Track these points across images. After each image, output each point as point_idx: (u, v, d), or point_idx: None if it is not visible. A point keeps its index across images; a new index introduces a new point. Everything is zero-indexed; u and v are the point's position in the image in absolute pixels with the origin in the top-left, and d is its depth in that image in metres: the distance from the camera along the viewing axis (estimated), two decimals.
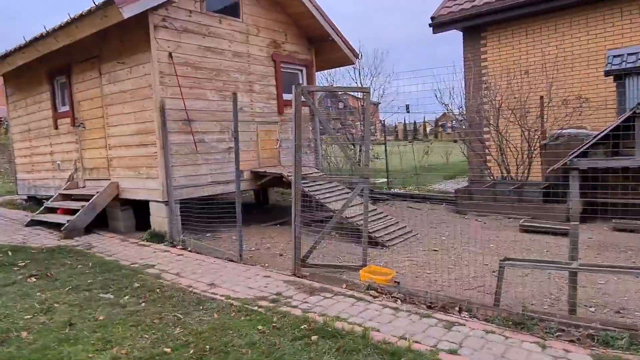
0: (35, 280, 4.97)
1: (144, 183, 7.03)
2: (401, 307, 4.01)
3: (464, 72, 10.99)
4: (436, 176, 14.06)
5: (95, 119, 7.82)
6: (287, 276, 4.99)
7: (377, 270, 4.83)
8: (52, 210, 8.00)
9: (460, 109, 10.28)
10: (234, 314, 3.92)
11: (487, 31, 10.88)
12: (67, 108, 8.52)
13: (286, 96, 8.67)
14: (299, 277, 4.97)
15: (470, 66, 10.37)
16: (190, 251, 6.21)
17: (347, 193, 7.81)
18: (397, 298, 4.24)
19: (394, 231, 7.02)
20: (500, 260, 3.95)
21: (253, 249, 6.46)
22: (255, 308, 4.03)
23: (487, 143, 9.92)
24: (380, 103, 15.50)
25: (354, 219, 6.84)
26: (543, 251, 5.90)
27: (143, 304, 4.20)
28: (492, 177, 9.64)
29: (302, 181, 5.13)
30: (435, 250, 6.13)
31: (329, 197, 7.40)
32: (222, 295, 4.37)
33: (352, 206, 7.34)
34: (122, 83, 7.13)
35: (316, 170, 8.28)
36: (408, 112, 7.78)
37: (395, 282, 4.65)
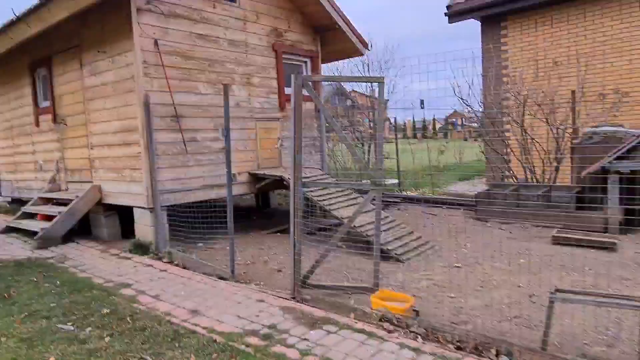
0: None
1: (128, 187, 6.27)
2: (423, 348, 3.20)
3: (482, 65, 10.15)
4: (450, 177, 13.21)
5: (77, 115, 7.08)
6: (285, 300, 4.21)
7: (391, 296, 4.03)
8: (31, 215, 7.28)
9: (480, 103, 9.42)
10: (215, 355, 3.15)
11: (508, 20, 10.02)
12: (48, 103, 7.79)
13: (288, 90, 7.86)
14: (298, 300, 4.19)
15: (491, 56, 9.51)
16: (176, 265, 5.45)
17: (356, 198, 7.00)
18: (418, 334, 3.44)
19: (409, 242, 6.21)
20: (550, 293, 3.13)
21: (249, 262, 5.68)
22: (243, 347, 3.25)
23: (507, 141, 9.07)
24: (387, 100, 14.68)
25: (363, 229, 6.04)
26: (584, 269, 5.07)
27: (107, 339, 3.44)
28: (515, 179, 8.79)
29: (305, 185, 4.36)
30: (457, 267, 5.31)
31: (335, 202, 6.61)
32: (204, 328, 3.59)
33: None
34: (103, 75, 6.38)
35: (321, 171, 7.49)
36: (422, 107, 6.97)
37: (413, 310, 3.85)
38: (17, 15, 6.05)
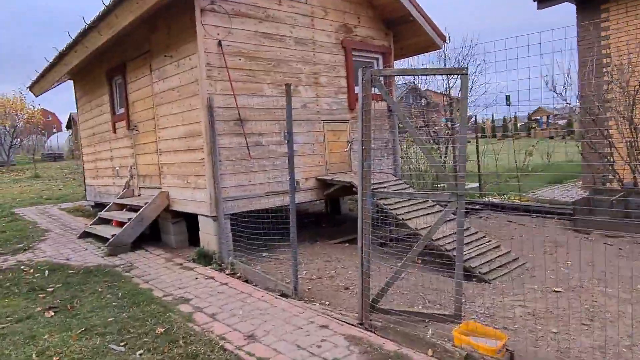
0: (52, 314, 4.17)
1: (192, 194, 6.12)
2: None
3: (578, 54, 8.92)
4: (537, 180, 11.90)
5: (147, 121, 7.10)
6: (351, 326, 3.70)
7: (478, 330, 3.36)
8: (106, 221, 7.44)
9: (577, 97, 8.24)
10: None
11: (610, 2, 8.71)
12: (123, 110, 7.95)
13: (358, 89, 7.35)
14: (367, 327, 3.66)
15: (589, 44, 8.30)
16: (238, 277, 5.16)
17: (433, 206, 6.32)
18: None
19: (494, 259, 5.44)
20: None
21: (314, 276, 5.25)
22: None
23: (611, 139, 7.82)
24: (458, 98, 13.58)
25: (441, 242, 5.37)
26: None
27: None
28: (620, 184, 7.56)
29: (374, 195, 3.84)
30: (556, 291, 4.48)
31: (409, 211, 5.99)
32: (258, 359, 3.19)
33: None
34: (170, 80, 6.29)
35: (394, 177, 6.88)
36: (509, 104, 6.14)
37: (507, 350, 3.16)
38: (87, 23, 6.13)
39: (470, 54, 12.01)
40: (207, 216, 5.84)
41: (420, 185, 9.91)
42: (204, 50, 5.58)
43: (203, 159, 5.74)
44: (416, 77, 13.64)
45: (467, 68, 3.54)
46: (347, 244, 6.77)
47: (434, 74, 6.27)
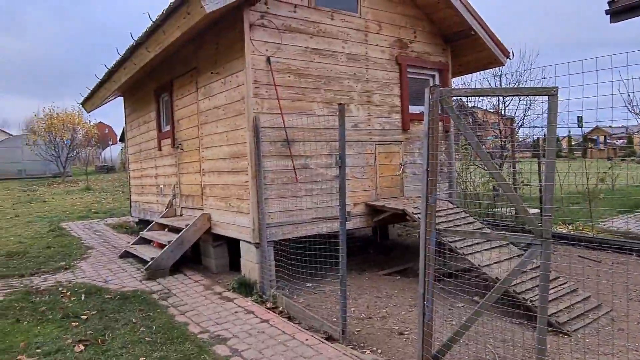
0: (82, 349, 3.87)
1: (234, 218, 5.78)
2: None
3: None
4: (608, 207, 10.81)
5: (192, 139, 6.89)
6: None
7: None
8: (147, 241, 7.24)
9: None
10: None
11: None
12: (168, 127, 7.81)
13: (413, 108, 6.86)
14: None
15: None
16: (280, 312, 4.71)
17: (499, 236, 5.66)
18: None
19: (573, 305, 4.71)
20: None
21: (363, 315, 4.72)
22: None
23: None
24: (513, 117, 12.69)
25: (513, 287, 4.69)
26: None
27: None
28: None
29: (439, 234, 3.31)
30: None
31: (470, 244, 5.36)
32: None
33: (498, 258, 5.21)
34: (216, 97, 6.03)
35: (450, 205, 6.27)
36: (580, 126, 5.46)
37: None
38: (135, 40, 6.01)
39: (530, 69, 11.21)
40: (249, 242, 5.46)
41: (475, 210, 9.17)
42: (251, 67, 5.28)
43: (247, 181, 5.39)
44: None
45: (556, 88, 2.97)
46: (398, 276, 6.20)
47: (516, 95, 5.61)
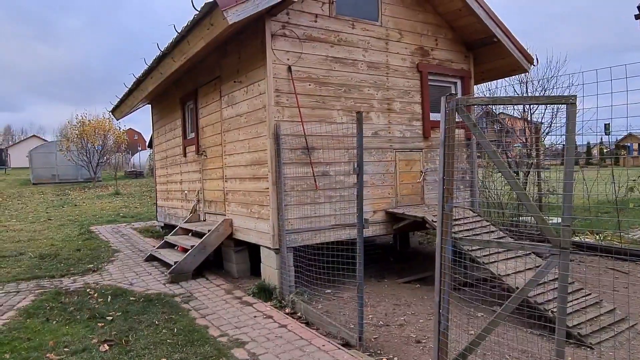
0: (107, 349, 4.01)
1: (255, 224, 5.88)
2: None
3: None
4: (629, 217, 10.45)
5: (215, 146, 7.05)
6: None
7: None
8: (171, 245, 7.42)
9: None
10: None
11: None
12: (193, 135, 8.01)
13: (434, 116, 6.84)
14: None
15: None
16: (298, 318, 4.77)
17: (517, 246, 5.58)
18: None
19: (597, 317, 4.60)
20: None
21: (381, 323, 4.72)
22: None
23: None
24: (542, 123, 12.40)
25: (534, 298, 4.63)
26: None
27: None
28: None
29: (456, 243, 3.31)
30: None
31: (490, 253, 5.30)
32: None
33: (524, 268, 5.13)
34: (238, 105, 6.17)
35: (472, 213, 6.22)
36: (608, 133, 5.36)
37: None
38: (161, 50, 6.21)
39: (556, 76, 10.99)
40: (269, 248, 5.55)
41: (498, 219, 9.03)
42: (273, 76, 5.39)
43: (267, 188, 5.49)
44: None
45: (575, 97, 2.95)
46: (418, 285, 6.17)
47: (534, 104, 5.52)
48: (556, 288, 4.65)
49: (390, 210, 6.33)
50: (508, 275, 4.95)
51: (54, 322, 4.67)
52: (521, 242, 4.65)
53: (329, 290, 5.71)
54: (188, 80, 7.88)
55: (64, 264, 7.31)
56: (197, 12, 4.91)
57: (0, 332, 4.37)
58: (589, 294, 4.98)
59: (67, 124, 31.53)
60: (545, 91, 11.87)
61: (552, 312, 4.43)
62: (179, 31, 5.47)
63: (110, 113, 11.21)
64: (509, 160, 10.99)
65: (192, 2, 4.90)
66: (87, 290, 5.77)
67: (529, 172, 10.21)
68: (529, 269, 5.02)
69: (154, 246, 8.30)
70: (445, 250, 3.18)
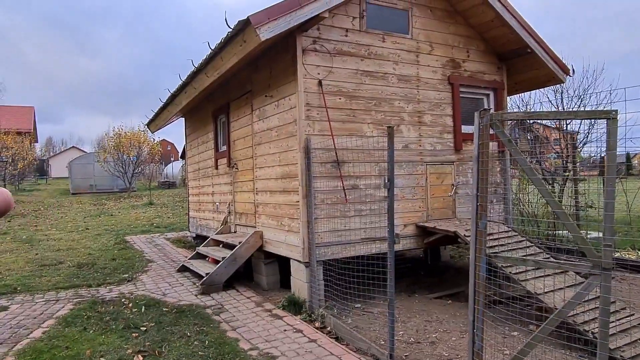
0: (141, 359, 4.10)
1: (285, 237, 5.91)
2: None
3: None
4: None
5: (246, 159, 7.16)
6: None
7: None
8: (202, 256, 7.54)
9: None
10: None
11: None
12: (225, 148, 8.16)
13: (466, 128, 6.75)
14: None
15: None
16: (329, 332, 4.75)
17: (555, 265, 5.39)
18: None
19: None
20: None
21: (412, 340, 4.64)
22: None
23: None
24: (578, 132, 11.97)
25: (573, 318, 4.46)
26: None
27: None
28: None
29: (490, 260, 3.22)
30: None
31: (525, 270, 5.14)
32: None
33: (562, 286, 4.95)
34: (270, 119, 6.26)
35: (506, 228, 6.07)
36: None
37: None
38: (195, 66, 6.38)
39: (594, 84, 10.64)
40: (299, 261, 5.56)
41: (533, 233, 8.76)
42: (303, 90, 5.45)
43: (298, 201, 5.52)
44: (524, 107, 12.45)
45: (616, 112, 2.86)
46: (450, 300, 6.05)
47: (572, 118, 5.34)
48: (597, 308, 4.47)
49: (421, 224, 6.25)
50: (545, 293, 4.79)
51: (91, 331, 4.80)
52: (559, 261, 4.49)
53: (358, 305, 5.67)
54: (220, 94, 8.05)
55: (101, 273, 7.54)
56: (231, 30, 5.03)
57: (41, 340, 4.53)
58: (632, 315, 4.76)
59: (104, 136, 32.73)
60: (581, 100, 11.50)
61: (592, 333, 4.26)
62: (213, 48, 5.61)
63: (146, 126, 11.56)
64: (543, 170, 10.68)
65: (225, 20, 5.03)
66: (122, 300, 5.92)
67: (564, 183, 9.89)
68: (568, 286, 4.84)
69: (186, 257, 8.45)
70: (480, 268, 3.11)
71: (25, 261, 8.57)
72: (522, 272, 5.11)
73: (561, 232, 8.82)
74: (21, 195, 27.11)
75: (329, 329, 4.86)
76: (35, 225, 14.48)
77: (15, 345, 4.42)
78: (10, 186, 27.19)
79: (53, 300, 6.03)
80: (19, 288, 6.65)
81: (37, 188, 33.83)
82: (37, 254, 9.31)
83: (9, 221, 15.73)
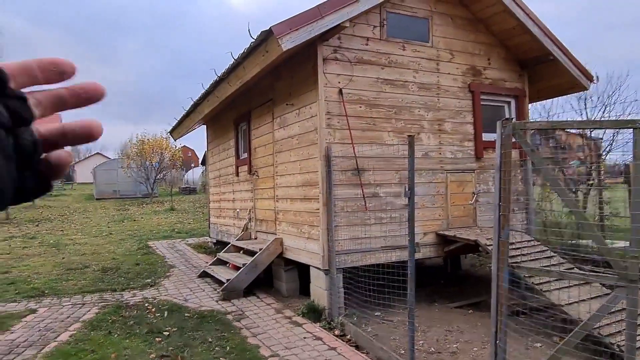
0: None
1: (305, 244, 5.95)
2: None
3: None
4: None
5: (267, 167, 7.24)
6: None
7: None
8: (223, 262, 7.63)
9: None
10: None
11: None
12: (246, 155, 8.27)
13: (487, 136, 6.70)
14: None
15: None
16: (348, 340, 4.75)
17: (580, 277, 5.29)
18: None
19: None
20: None
21: (432, 350, 4.62)
22: None
23: None
24: (601, 138, 11.71)
25: (598, 330, 4.37)
26: None
27: None
28: None
29: (514, 272, 3.20)
30: None
31: (547, 280, 5.06)
32: None
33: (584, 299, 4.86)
34: (290, 127, 6.33)
35: (528, 238, 5.98)
36: None
37: None
38: (218, 75, 6.51)
39: (618, 90, 10.42)
40: (318, 269, 5.59)
41: (556, 242, 8.59)
42: (324, 99, 5.50)
43: (318, 209, 5.56)
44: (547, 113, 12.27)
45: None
46: (471, 310, 5.99)
47: (597, 128, 5.25)
48: (623, 320, 4.38)
49: (441, 232, 6.21)
50: (569, 304, 4.70)
51: (116, 335, 4.91)
52: (584, 272, 4.42)
53: (378, 313, 5.65)
54: (242, 102, 8.18)
55: (125, 277, 7.70)
56: (253, 40, 5.13)
57: (68, 344, 4.66)
58: None
59: (127, 143, 33.46)
60: (605, 107, 11.28)
61: (619, 346, 4.16)
62: (236, 58, 5.73)
63: (169, 134, 11.79)
64: (566, 178, 10.49)
65: (248, 30, 5.13)
66: (146, 304, 6.04)
67: (588, 191, 9.70)
68: (593, 298, 4.75)
69: (207, 262, 8.56)
70: (502, 278, 3.09)
71: (53, 265, 8.81)
72: (544, 282, 5.03)
73: (584, 241, 8.65)
74: (48, 200, 27.85)
75: (348, 337, 4.87)
76: (62, 230, 14.87)
77: (43, 348, 4.55)
78: None
79: (79, 304, 6.18)
80: (46, 291, 6.84)
81: (64, 193, 34.72)
82: (63, 258, 9.56)
83: (36, 225, 16.20)
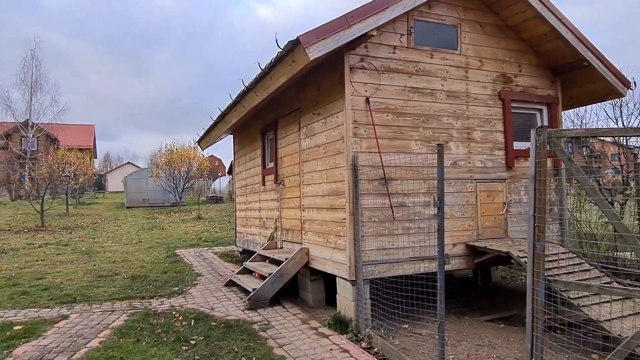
0: None
1: (331, 254, 5.90)
2: None
3: None
4: None
5: (293, 176, 7.24)
6: None
7: None
8: (249, 271, 7.65)
9: None
10: None
11: None
12: (272, 164, 8.30)
13: (518, 145, 6.53)
14: None
15: None
16: (376, 353, 4.66)
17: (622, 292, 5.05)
18: None
19: None
20: None
21: None
22: None
23: None
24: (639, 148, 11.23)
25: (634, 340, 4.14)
26: None
27: None
28: None
29: (550, 285, 3.06)
30: None
31: (585, 295, 4.84)
32: None
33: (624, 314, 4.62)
34: (317, 137, 6.32)
35: (563, 249, 5.76)
36: None
37: None
38: (245, 86, 6.57)
39: None
40: (345, 279, 5.52)
41: (593, 255, 8.26)
42: (351, 108, 5.47)
43: (345, 218, 5.51)
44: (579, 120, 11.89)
45: None
46: (502, 324, 5.79)
47: (637, 136, 5.03)
48: None
49: (470, 243, 6.06)
50: (609, 320, 4.48)
51: (144, 342, 4.95)
52: (626, 287, 4.21)
53: (405, 325, 5.53)
54: (268, 112, 8.23)
55: (153, 285, 7.79)
56: (280, 50, 5.16)
57: (97, 350, 4.72)
58: None
59: (157, 152, 34.26)
60: None
61: None
62: (262, 68, 5.77)
63: (197, 143, 11.97)
64: (602, 188, 10.11)
65: (276, 40, 5.17)
66: (173, 312, 6.08)
67: (625, 201, 9.30)
68: (636, 314, 4.52)
69: (233, 271, 8.60)
70: (538, 292, 2.96)
71: (84, 272, 9.02)
72: (581, 297, 4.82)
73: (622, 254, 8.29)
74: (81, 208, 28.69)
75: (376, 349, 4.77)
76: (93, 237, 15.25)
77: (74, 354, 4.63)
78: (72, 199, 28.82)
79: (109, 310, 6.28)
80: (78, 298, 6.99)
81: (95, 202, 35.72)
82: (94, 265, 9.77)
83: (70, 233, 16.66)
